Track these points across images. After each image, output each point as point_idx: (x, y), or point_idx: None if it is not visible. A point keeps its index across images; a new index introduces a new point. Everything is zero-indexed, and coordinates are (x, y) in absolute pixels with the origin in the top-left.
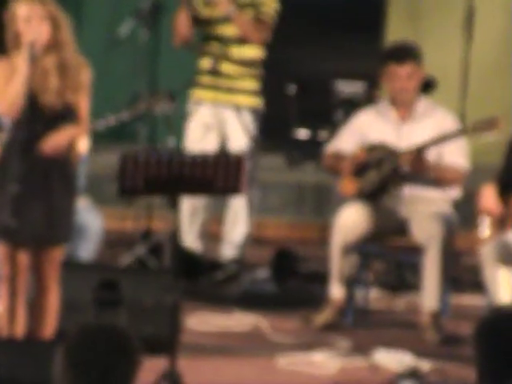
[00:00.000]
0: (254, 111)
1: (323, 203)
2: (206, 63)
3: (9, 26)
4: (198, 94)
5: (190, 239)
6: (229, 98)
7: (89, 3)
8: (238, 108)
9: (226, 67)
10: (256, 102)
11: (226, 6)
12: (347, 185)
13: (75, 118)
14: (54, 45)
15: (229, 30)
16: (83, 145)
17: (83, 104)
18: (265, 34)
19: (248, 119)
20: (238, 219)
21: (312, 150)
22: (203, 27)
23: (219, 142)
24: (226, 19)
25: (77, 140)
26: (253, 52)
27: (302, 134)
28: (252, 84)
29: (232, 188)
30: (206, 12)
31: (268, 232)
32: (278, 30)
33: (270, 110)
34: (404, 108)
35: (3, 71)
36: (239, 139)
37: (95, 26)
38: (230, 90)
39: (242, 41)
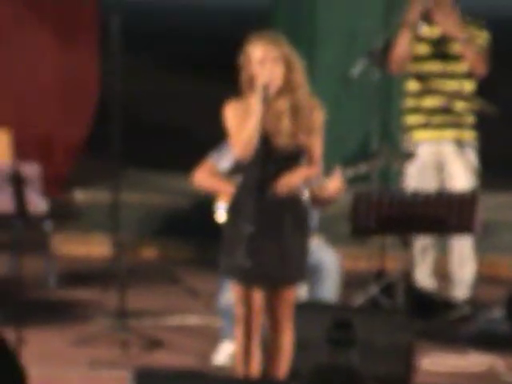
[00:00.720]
0: (475, 145)
1: None
2: (432, 102)
3: (244, 68)
4: (417, 134)
5: (422, 278)
6: (454, 135)
7: (321, 43)
8: (461, 144)
9: (459, 104)
10: (476, 135)
11: (461, 37)
12: None
13: (308, 160)
14: (287, 87)
15: (460, 67)
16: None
17: (316, 145)
18: (486, 67)
19: (471, 155)
20: (466, 258)
21: None
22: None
23: (439, 180)
24: (457, 55)
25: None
26: (473, 86)
27: None
28: (473, 118)
29: (465, 227)
30: (434, 47)
31: (502, 271)
32: None
33: (506, 148)
34: None
35: (238, 113)
36: (463, 176)
37: (328, 66)
38: (458, 126)
39: (470, 75)
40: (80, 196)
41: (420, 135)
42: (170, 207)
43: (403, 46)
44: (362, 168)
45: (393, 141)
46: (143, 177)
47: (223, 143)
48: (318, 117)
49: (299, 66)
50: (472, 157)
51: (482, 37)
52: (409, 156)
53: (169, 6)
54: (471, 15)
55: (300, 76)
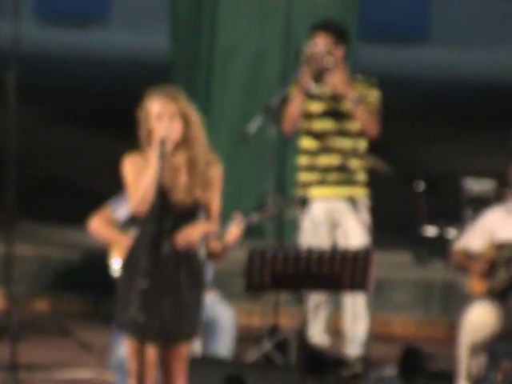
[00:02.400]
0: (368, 203)
1: (451, 301)
2: (327, 160)
3: (142, 123)
4: (312, 191)
5: (316, 334)
6: (348, 192)
7: (219, 99)
8: (354, 201)
9: (353, 162)
10: (369, 193)
11: (351, 97)
12: (476, 284)
13: (206, 215)
14: (184, 142)
15: (353, 125)
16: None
17: (214, 201)
18: (378, 126)
19: (364, 212)
20: (359, 316)
21: (440, 247)
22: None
23: (332, 237)
24: (349, 114)
25: (210, 236)
26: (366, 143)
27: (431, 231)
28: (366, 175)
29: (359, 285)
30: (326, 105)
31: (395, 329)
32: (409, 127)
33: (399, 206)
34: None
35: (136, 167)
36: (358, 234)
37: (225, 121)
38: (351, 184)
39: (361, 135)
40: None
41: (315, 192)
42: (64, 260)
43: (295, 105)
44: (255, 217)
45: (287, 197)
46: (37, 230)
47: (123, 192)
48: (216, 172)
49: (197, 121)
50: (365, 215)
51: (373, 95)
52: (302, 202)
53: (66, 59)
54: (363, 73)
55: (197, 131)
